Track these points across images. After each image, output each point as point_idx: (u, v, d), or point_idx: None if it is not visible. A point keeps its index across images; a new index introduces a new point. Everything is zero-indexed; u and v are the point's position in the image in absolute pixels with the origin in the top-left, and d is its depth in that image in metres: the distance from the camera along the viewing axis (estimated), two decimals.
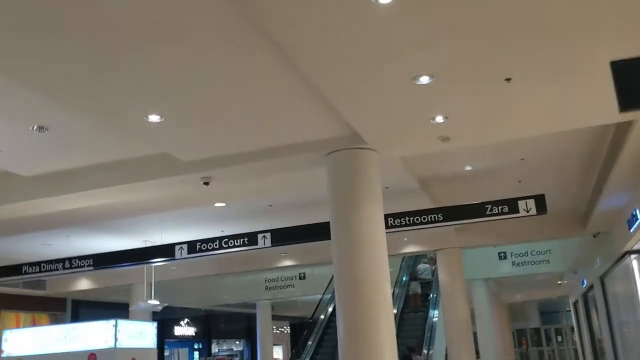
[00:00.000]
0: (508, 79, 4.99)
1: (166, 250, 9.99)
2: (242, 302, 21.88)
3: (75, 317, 18.49)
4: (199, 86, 5.14)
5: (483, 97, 5.40)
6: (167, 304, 11.99)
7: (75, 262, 10.38)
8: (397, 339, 15.81)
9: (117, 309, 15.50)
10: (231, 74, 4.92)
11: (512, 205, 8.49)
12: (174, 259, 9.94)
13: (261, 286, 19.93)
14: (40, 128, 5.93)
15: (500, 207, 8.52)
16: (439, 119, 5.81)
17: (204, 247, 9.74)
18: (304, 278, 19.10)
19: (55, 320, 17.80)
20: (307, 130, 6.32)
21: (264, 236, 9.47)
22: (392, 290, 18.94)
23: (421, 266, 18.05)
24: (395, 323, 16.60)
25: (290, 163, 6.81)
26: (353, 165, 6.49)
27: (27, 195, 7.48)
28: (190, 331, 24.91)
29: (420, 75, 4.83)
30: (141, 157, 7.04)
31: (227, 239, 9.65)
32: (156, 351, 7.82)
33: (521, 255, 17.24)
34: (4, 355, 7.54)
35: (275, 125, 6.15)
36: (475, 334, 16.94)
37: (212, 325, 26.01)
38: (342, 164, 6.51)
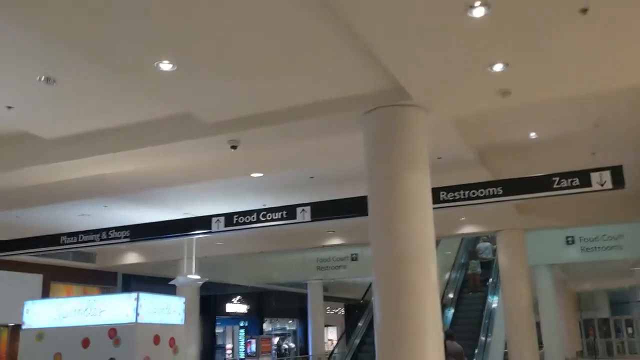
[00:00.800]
0: (584, 10, 4.01)
1: (203, 223, 9.45)
2: (293, 282, 21.47)
3: (126, 291, 18.50)
4: (214, 32, 4.43)
5: (552, 35, 4.42)
6: (207, 279, 11.56)
7: (112, 233, 10.02)
8: (455, 320, 15.11)
9: (166, 284, 15.33)
10: (252, 16, 4.17)
11: (584, 177, 7.38)
12: (211, 232, 9.40)
13: (313, 266, 19.38)
14: (48, 79, 5.36)
15: (570, 180, 7.43)
16: (498, 66, 4.86)
17: (241, 220, 9.13)
18: (356, 259, 18.41)
19: (107, 293, 17.83)
20: (342, 85, 5.51)
21: (303, 210, 8.74)
22: (447, 275, 18.16)
23: (481, 245, 17.25)
24: (452, 305, 15.98)
25: (323, 124, 6.02)
26: (395, 125, 5.63)
27: (47, 158, 7.03)
28: (242, 308, 24.72)
29: (474, 4, 3.92)
30: (163, 119, 6.41)
31: (264, 212, 9.00)
32: (183, 327, 7.26)
33: (591, 240, 16.02)
34: (24, 327, 7.18)
35: (306, 79, 5.37)
36: (538, 324, 15.89)
37: (264, 304, 25.77)
38: (383, 124, 5.66)
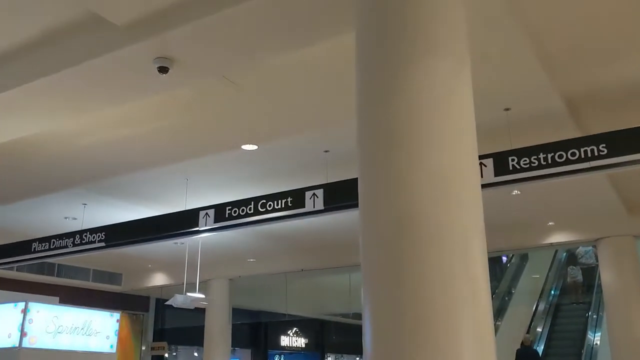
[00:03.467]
0: None
1: (188, 218, 7.15)
2: (347, 313, 18.69)
3: (159, 318, 16.53)
4: None
5: None
6: (212, 298, 9.17)
7: (86, 236, 7.91)
8: (549, 341, 12.04)
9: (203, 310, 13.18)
10: None
11: None
12: (199, 230, 7.06)
13: None
14: None
15: None
16: None
17: (234, 212, 6.76)
18: None
19: (137, 321, 15.93)
20: None
21: (313, 194, 6.25)
22: (534, 305, 14.76)
23: (581, 249, 14.30)
24: (542, 341, 12.77)
25: (289, 10, 3.56)
26: None
27: None
28: (299, 342, 22.06)
29: None
30: (64, 27, 4.20)
31: (264, 200, 6.58)
32: (114, 356, 4.87)
33: None
34: None
35: None
36: None
37: (326, 337, 22.97)
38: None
